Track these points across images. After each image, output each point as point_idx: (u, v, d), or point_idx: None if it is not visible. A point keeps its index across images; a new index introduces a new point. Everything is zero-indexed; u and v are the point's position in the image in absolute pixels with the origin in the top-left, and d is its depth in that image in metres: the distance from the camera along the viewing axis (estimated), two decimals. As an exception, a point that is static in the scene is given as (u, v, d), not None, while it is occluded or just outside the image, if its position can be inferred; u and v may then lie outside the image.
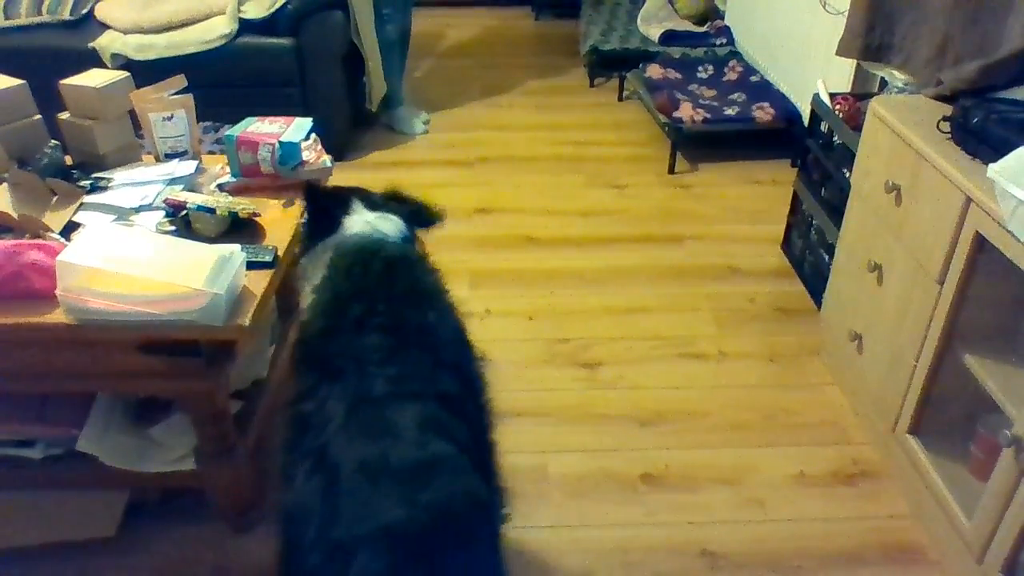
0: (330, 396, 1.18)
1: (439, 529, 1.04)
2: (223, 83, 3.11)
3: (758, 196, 3.22)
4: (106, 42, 3.17)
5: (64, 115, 1.93)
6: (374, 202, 1.57)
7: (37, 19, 3.25)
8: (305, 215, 1.62)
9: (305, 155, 1.94)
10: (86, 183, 1.83)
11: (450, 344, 1.37)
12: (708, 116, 3.37)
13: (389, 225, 1.52)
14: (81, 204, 1.77)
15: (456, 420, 1.20)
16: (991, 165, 1.46)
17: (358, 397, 1.17)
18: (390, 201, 1.60)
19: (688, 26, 4.31)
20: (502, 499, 1.28)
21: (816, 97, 2.52)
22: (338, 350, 1.25)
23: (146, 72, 2.22)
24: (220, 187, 1.87)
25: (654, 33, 4.23)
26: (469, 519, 1.10)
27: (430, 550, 1.03)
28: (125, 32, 3.20)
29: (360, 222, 1.51)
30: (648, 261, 2.81)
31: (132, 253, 1.50)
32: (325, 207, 1.54)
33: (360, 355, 1.23)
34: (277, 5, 3.17)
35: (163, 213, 1.75)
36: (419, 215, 1.62)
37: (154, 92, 1.97)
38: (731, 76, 3.77)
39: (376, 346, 1.24)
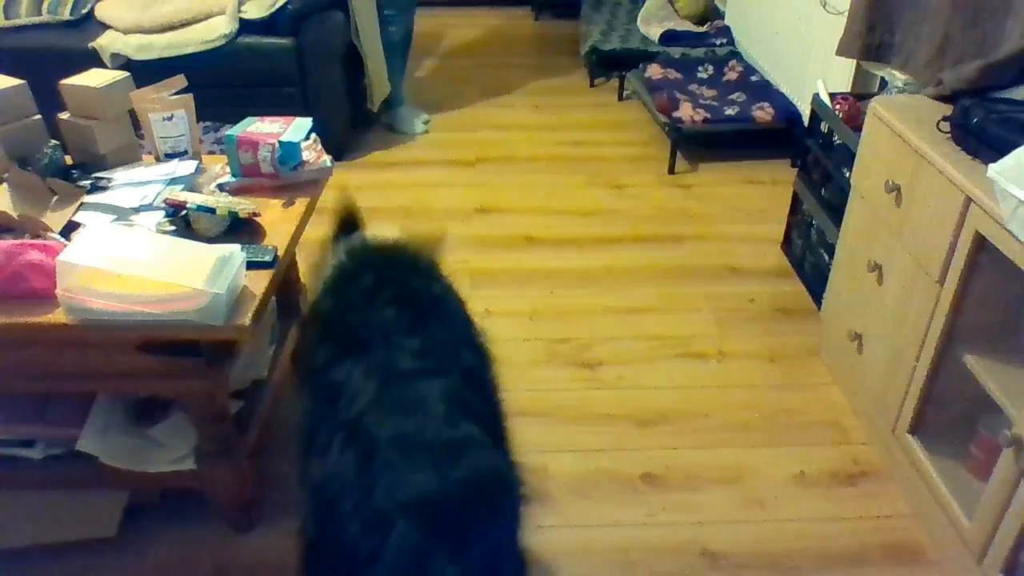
0: (356, 368, 1.21)
1: (471, 504, 1.08)
2: (223, 83, 3.11)
3: (758, 196, 3.22)
4: (106, 42, 3.17)
5: (64, 115, 1.93)
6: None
7: (37, 19, 3.25)
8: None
9: (305, 155, 1.94)
10: (86, 183, 1.84)
11: (460, 317, 1.41)
12: (708, 116, 3.37)
13: None
14: (81, 204, 1.77)
15: (477, 396, 1.25)
16: (991, 165, 1.46)
17: (387, 371, 1.20)
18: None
19: (688, 26, 4.31)
20: (521, 475, 1.31)
21: (816, 97, 2.52)
22: (360, 322, 1.29)
23: (146, 72, 2.22)
24: (220, 187, 1.87)
25: (654, 33, 4.23)
26: (497, 495, 1.15)
27: (462, 523, 1.07)
28: (125, 32, 3.21)
29: None
30: (648, 261, 2.81)
31: (132, 253, 1.50)
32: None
33: (383, 327, 1.26)
34: (277, 5, 3.17)
35: (163, 213, 1.75)
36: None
37: (154, 92, 1.97)
38: (731, 76, 3.77)
39: (396, 319, 1.28)
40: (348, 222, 1.61)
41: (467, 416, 1.18)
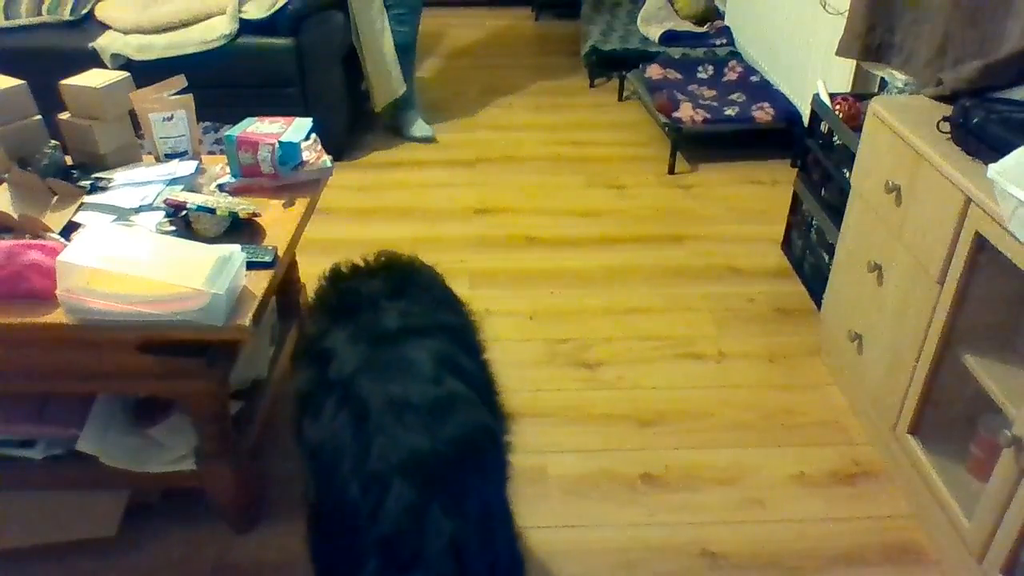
0: (347, 331, 1.27)
1: (461, 459, 1.14)
2: (223, 83, 3.11)
3: (758, 196, 3.22)
4: (106, 42, 3.17)
5: (64, 115, 1.93)
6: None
7: (37, 19, 3.25)
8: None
9: (305, 155, 1.94)
10: (86, 183, 1.84)
11: (440, 287, 1.51)
12: (708, 116, 3.37)
13: None
14: (81, 204, 1.77)
15: (463, 353, 1.31)
16: (991, 165, 1.46)
17: (376, 334, 1.27)
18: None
19: (688, 26, 4.31)
20: (507, 427, 1.38)
21: (816, 97, 2.52)
22: (350, 287, 1.39)
23: (146, 72, 2.22)
24: (220, 187, 1.87)
25: (654, 33, 4.23)
26: (485, 449, 1.21)
27: (454, 478, 1.13)
28: (125, 32, 3.21)
29: None
30: (648, 261, 2.81)
31: (132, 253, 1.50)
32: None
33: (370, 292, 1.35)
34: (277, 6, 3.17)
35: (163, 213, 1.75)
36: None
37: (154, 92, 1.97)
38: (731, 76, 3.77)
39: (382, 285, 1.37)
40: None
41: (454, 375, 1.23)
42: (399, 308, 1.32)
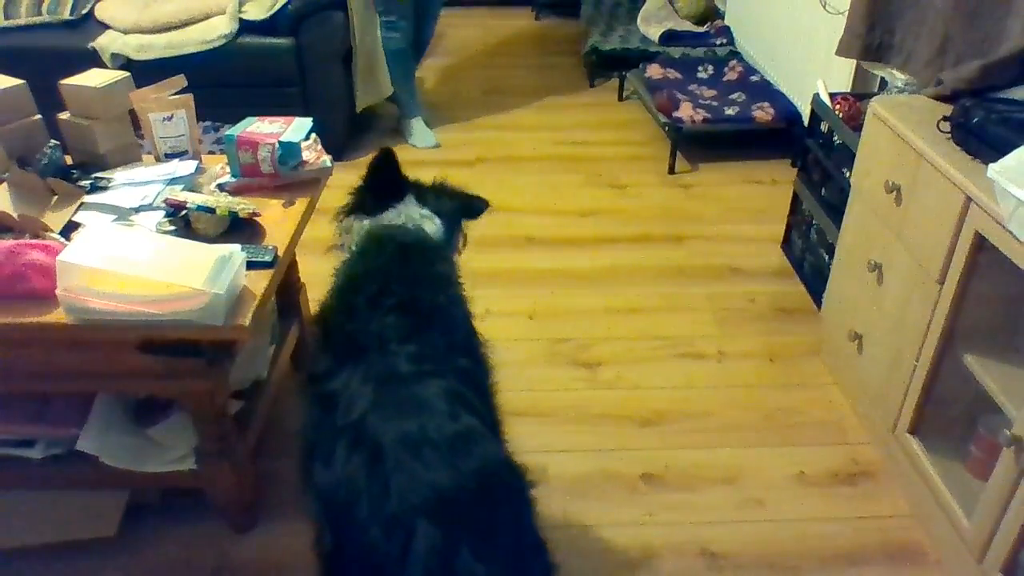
0: (355, 375, 1.20)
1: (487, 493, 1.09)
2: (223, 83, 3.11)
3: (758, 196, 3.22)
4: (106, 42, 3.18)
5: (64, 115, 1.93)
6: (424, 196, 1.69)
7: (37, 19, 3.25)
8: (368, 176, 1.69)
9: (305, 155, 1.94)
10: (86, 183, 1.83)
11: (461, 327, 1.42)
12: (708, 116, 3.37)
13: (432, 226, 1.61)
14: (81, 204, 1.77)
15: (475, 393, 1.26)
16: (991, 165, 1.46)
17: (385, 375, 1.20)
18: (440, 195, 1.72)
19: (688, 26, 4.31)
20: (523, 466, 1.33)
21: (816, 97, 2.52)
22: (358, 328, 1.29)
23: (146, 72, 2.22)
24: (220, 187, 1.87)
25: (654, 33, 4.23)
26: (509, 482, 1.17)
27: (482, 516, 1.08)
28: (125, 32, 3.21)
29: (404, 214, 1.60)
30: (648, 261, 2.81)
31: (132, 253, 1.50)
32: (386, 181, 1.66)
33: (381, 334, 1.26)
34: (277, 6, 3.17)
35: (163, 213, 1.75)
36: (467, 208, 1.76)
37: (154, 92, 1.96)
38: (731, 76, 3.77)
39: (395, 325, 1.28)
40: (384, 183, 1.68)
41: (468, 411, 1.18)
42: (410, 352, 1.24)
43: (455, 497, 1.06)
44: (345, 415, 1.15)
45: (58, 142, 1.91)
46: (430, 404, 1.16)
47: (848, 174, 2.18)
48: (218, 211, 1.67)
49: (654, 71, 3.81)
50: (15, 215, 1.67)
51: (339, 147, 3.40)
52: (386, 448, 1.09)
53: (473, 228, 2.98)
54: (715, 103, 3.51)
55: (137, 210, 1.76)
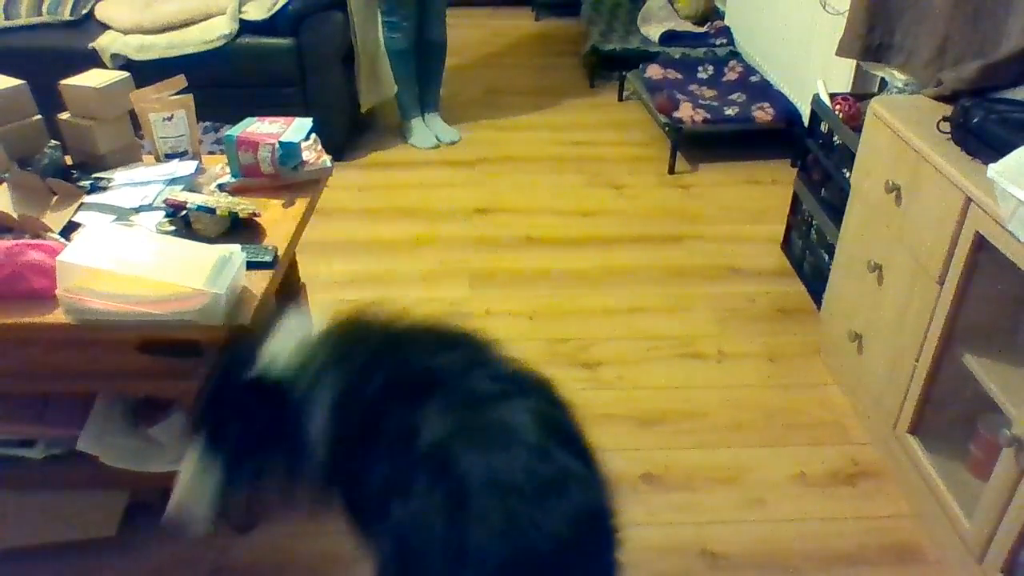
0: (429, 405, 1.11)
1: (572, 557, 1.03)
2: (223, 83, 3.11)
3: (758, 196, 3.22)
4: (106, 42, 3.17)
5: (64, 115, 1.93)
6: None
7: (37, 19, 3.25)
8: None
9: (305, 155, 1.94)
10: (86, 183, 1.83)
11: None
12: (708, 116, 3.37)
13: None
14: (81, 204, 1.77)
15: (563, 414, 1.19)
16: (991, 165, 1.46)
17: (466, 397, 1.12)
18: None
19: (688, 26, 4.31)
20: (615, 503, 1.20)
21: (816, 97, 2.52)
22: (418, 367, 1.19)
23: (146, 72, 2.22)
24: (220, 187, 1.87)
25: (654, 33, 4.23)
26: (598, 541, 1.09)
27: (570, 567, 1.03)
28: (125, 32, 3.21)
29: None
30: (648, 261, 2.81)
31: (132, 253, 1.50)
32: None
33: (447, 367, 1.18)
34: (277, 6, 3.17)
35: (163, 213, 1.75)
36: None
37: (154, 92, 1.96)
38: (731, 76, 3.77)
39: (445, 361, 1.20)
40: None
41: (560, 443, 1.10)
42: (489, 373, 1.16)
43: (538, 563, 0.99)
44: (422, 442, 1.07)
45: (58, 142, 1.92)
46: (518, 433, 1.07)
47: (848, 174, 2.18)
48: (218, 211, 1.67)
49: (654, 71, 3.81)
50: (15, 215, 1.67)
51: (339, 147, 3.40)
52: (471, 490, 1.00)
53: (473, 228, 2.99)
54: (715, 103, 3.51)
55: (137, 210, 1.76)
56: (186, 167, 1.92)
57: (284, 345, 1.24)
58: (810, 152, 2.61)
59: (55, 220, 1.70)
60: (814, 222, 2.56)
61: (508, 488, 1.01)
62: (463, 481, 1.01)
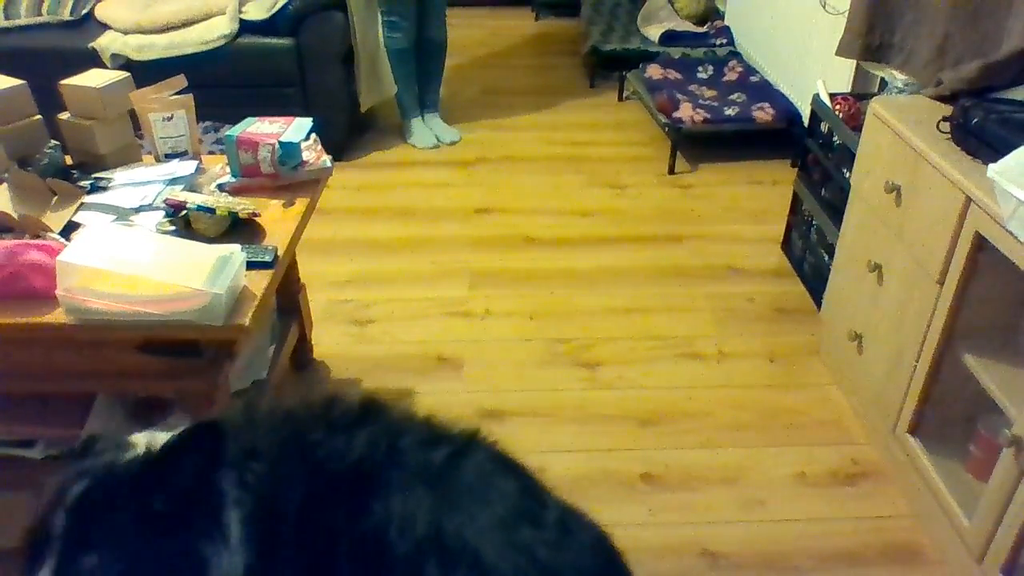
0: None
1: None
2: (223, 83, 3.11)
3: (758, 196, 3.22)
4: (106, 42, 3.18)
5: (64, 115, 1.93)
6: None
7: (37, 19, 3.25)
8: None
9: (305, 155, 1.94)
10: (86, 183, 1.83)
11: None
12: (708, 116, 3.37)
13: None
14: (81, 204, 1.77)
15: (508, 454, 1.08)
16: (991, 165, 1.46)
17: (416, 471, 1.00)
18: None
19: (688, 26, 4.31)
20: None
21: (816, 97, 2.52)
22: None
23: (146, 72, 2.22)
24: (220, 187, 1.87)
25: (654, 33, 4.23)
26: (615, 553, 1.05)
27: None
28: (125, 32, 3.21)
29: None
30: (648, 261, 2.81)
31: (132, 253, 1.50)
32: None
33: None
34: (278, 6, 3.17)
35: (163, 213, 1.75)
36: None
37: (154, 92, 1.97)
38: (731, 76, 3.77)
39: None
40: None
41: (536, 482, 1.04)
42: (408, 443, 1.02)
43: None
44: (411, 531, 0.95)
45: (58, 142, 1.91)
46: (497, 486, 0.99)
47: (848, 174, 2.18)
48: (218, 211, 1.67)
49: (654, 71, 3.81)
50: (15, 215, 1.67)
51: (339, 147, 3.40)
52: (488, 563, 0.92)
53: (473, 228, 2.99)
54: (715, 103, 3.51)
55: (137, 210, 1.76)
56: (186, 167, 1.92)
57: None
58: (810, 152, 2.61)
59: (55, 220, 1.70)
60: (814, 222, 2.56)
61: (523, 545, 0.94)
62: (478, 556, 0.93)
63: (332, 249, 2.86)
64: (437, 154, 3.58)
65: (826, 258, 2.43)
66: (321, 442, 1.02)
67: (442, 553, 0.94)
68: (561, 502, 1.03)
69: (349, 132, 3.59)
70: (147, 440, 1.02)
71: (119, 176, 1.88)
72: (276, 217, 1.79)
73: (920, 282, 1.75)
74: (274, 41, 3.19)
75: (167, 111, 1.95)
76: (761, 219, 3.04)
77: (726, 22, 4.32)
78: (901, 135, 1.81)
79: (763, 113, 3.37)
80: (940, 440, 1.79)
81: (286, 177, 1.89)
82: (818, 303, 2.44)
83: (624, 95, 4.12)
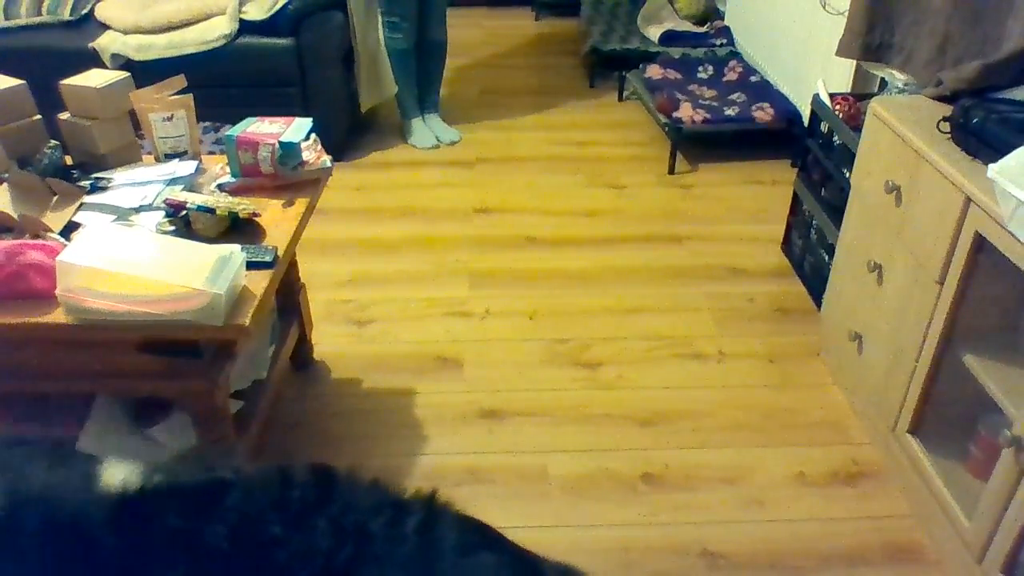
0: None
1: None
2: (223, 83, 3.11)
3: (758, 196, 3.22)
4: (106, 42, 3.18)
5: (64, 115, 1.93)
6: None
7: (37, 19, 3.25)
8: None
9: (305, 155, 1.94)
10: (86, 183, 1.84)
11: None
12: (708, 116, 3.37)
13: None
14: (81, 204, 1.77)
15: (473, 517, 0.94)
16: (991, 165, 1.46)
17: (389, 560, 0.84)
18: None
19: (688, 26, 4.31)
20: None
21: (816, 97, 2.52)
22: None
23: (146, 72, 2.22)
24: (220, 187, 1.87)
25: (654, 33, 4.23)
26: None
27: None
28: (125, 32, 3.21)
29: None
30: (648, 261, 2.81)
31: (132, 253, 1.50)
32: None
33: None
34: (277, 6, 3.17)
35: (163, 213, 1.75)
36: None
37: (154, 92, 1.97)
38: (731, 76, 3.77)
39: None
40: None
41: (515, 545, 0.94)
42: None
43: None
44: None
45: (58, 142, 1.92)
46: (480, 557, 0.89)
47: (848, 174, 2.18)
48: (218, 211, 1.67)
49: (654, 71, 3.81)
50: (15, 215, 1.67)
51: (339, 147, 3.41)
52: None
53: (473, 228, 2.99)
54: (715, 103, 3.51)
55: (137, 210, 1.76)
56: (186, 167, 1.92)
57: None
58: (810, 152, 2.61)
59: (55, 220, 1.70)
60: (814, 222, 2.56)
61: None
62: None
63: (332, 249, 2.86)
64: (437, 154, 3.58)
65: (826, 258, 2.43)
66: (281, 539, 0.84)
67: None
68: (551, 563, 0.96)
69: (349, 132, 3.59)
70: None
71: (119, 176, 1.89)
72: (276, 217, 1.79)
73: (920, 282, 1.75)
74: (274, 41, 3.19)
75: (167, 111, 1.95)
76: (761, 219, 3.04)
77: (726, 22, 4.32)
78: (901, 135, 1.81)
79: (763, 113, 3.37)
80: (940, 440, 1.79)
81: (286, 177, 1.89)
82: (818, 303, 2.44)
83: (624, 95, 4.12)
